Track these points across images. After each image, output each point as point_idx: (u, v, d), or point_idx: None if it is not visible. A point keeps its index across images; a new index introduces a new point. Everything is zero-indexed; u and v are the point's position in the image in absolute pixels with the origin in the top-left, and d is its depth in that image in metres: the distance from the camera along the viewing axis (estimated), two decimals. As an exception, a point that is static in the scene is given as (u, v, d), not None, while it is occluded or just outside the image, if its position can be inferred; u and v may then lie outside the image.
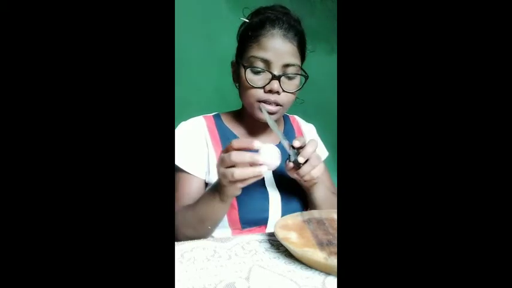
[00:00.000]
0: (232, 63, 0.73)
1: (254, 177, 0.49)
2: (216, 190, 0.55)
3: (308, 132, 0.85)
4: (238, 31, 0.72)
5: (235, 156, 0.49)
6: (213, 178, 0.68)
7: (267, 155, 0.50)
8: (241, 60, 0.67)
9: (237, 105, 0.79)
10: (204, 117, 0.75)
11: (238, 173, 0.48)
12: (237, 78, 0.70)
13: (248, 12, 0.71)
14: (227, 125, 0.74)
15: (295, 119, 0.85)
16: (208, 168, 0.69)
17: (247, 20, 0.69)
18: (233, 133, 0.73)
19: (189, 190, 0.67)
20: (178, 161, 0.67)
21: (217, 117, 0.76)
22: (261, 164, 0.49)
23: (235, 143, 0.51)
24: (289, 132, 0.80)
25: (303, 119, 0.88)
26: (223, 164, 0.50)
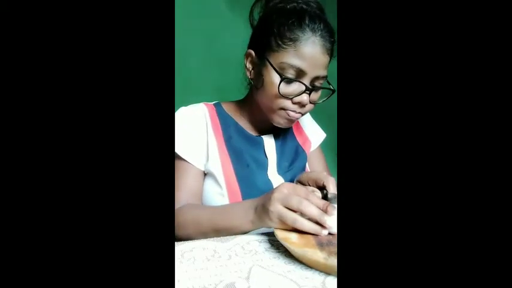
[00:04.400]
0: (247, 54, 0.66)
1: (309, 232, 0.44)
2: (249, 211, 0.51)
3: (303, 118, 0.84)
4: (253, 12, 0.65)
5: (306, 206, 0.44)
6: (212, 166, 0.66)
7: (334, 221, 0.45)
8: (269, 58, 0.60)
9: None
10: (205, 104, 0.73)
11: (300, 223, 0.44)
12: (256, 76, 0.64)
13: None
14: (229, 114, 0.73)
15: None
16: (207, 156, 0.67)
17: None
18: (235, 121, 0.72)
19: (187, 179, 0.65)
20: (177, 149, 0.65)
21: (218, 106, 0.74)
22: (324, 228, 0.44)
23: (312, 198, 0.46)
24: None
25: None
26: (287, 203, 0.45)
